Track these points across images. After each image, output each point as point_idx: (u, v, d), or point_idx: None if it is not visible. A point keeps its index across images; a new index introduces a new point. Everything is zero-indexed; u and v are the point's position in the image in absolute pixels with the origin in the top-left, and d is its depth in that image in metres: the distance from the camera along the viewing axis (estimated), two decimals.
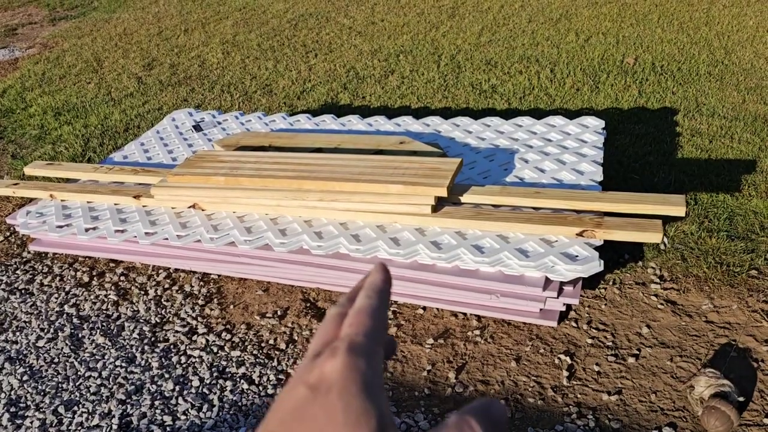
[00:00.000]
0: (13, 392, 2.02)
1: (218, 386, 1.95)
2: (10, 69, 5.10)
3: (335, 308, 0.34)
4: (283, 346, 2.08)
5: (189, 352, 2.09)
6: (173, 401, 1.92)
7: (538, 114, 3.26)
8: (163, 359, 2.07)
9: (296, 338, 2.11)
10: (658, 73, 3.77)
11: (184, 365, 2.04)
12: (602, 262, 1.87)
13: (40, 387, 2.02)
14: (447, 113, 3.48)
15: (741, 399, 1.72)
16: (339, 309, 0.34)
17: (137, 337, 2.18)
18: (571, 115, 3.22)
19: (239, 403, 1.89)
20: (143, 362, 2.07)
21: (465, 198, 2.15)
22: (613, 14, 4.87)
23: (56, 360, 2.12)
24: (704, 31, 4.36)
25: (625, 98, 3.50)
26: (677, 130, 3.12)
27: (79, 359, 2.11)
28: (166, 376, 2.01)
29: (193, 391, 1.95)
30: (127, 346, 2.15)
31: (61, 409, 1.93)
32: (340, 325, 0.33)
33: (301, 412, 0.28)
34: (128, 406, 1.92)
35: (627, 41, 4.30)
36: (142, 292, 2.40)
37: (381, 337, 0.32)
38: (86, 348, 2.16)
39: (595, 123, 2.67)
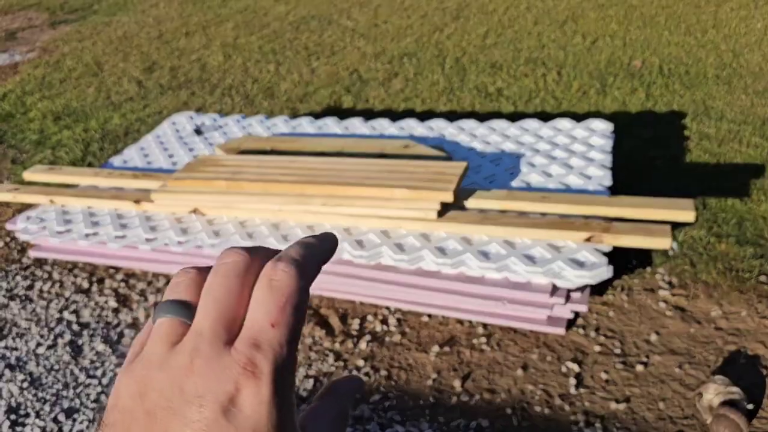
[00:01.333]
0: (13, 399, 1.99)
1: None
2: (9, 73, 5.09)
3: (239, 255, 0.27)
4: None
5: None
6: None
7: (544, 117, 3.23)
8: None
9: (298, 345, 2.08)
10: (666, 76, 3.74)
11: None
12: (611, 267, 1.84)
13: (40, 394, 1.99)
14: (452, 116, 3.45)
15: (751, 407, 1.69)
16: (245, 260, 0.27)
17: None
18: (578, 118, 3.18)
19: None
20: None
21: (470, 203, 2.11)
22: (620, 17, 4.84)
23: (56, 367, 2.09)
24: (712, 34, 4.33)
25: (633, 101, 3.47)
26: (685, 134, 3.09)
27: (79, 366, 2.08)
28: None
29: None
30: (127, 354, 2.11)
31: (61, 417, 1.90)
32: (250, 291, 0.26)
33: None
34: None
35: (634, 44, 4.27)
36: (142, 299, 2.37)
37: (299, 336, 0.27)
38: (86, 355, 2.13)
39: (603, 126, 2.64)
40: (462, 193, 2.14)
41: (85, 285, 2.47)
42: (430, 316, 2.11)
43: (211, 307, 0.26)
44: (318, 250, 0.30)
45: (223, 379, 0.25)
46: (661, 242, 1.88)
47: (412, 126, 2.88)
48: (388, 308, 2.16)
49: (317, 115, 3.62)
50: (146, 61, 4.93)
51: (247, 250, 0.28)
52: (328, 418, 0.30)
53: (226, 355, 0.25)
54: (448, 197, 2.01)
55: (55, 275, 2.55)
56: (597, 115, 3.32)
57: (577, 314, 2.05)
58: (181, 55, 5.01)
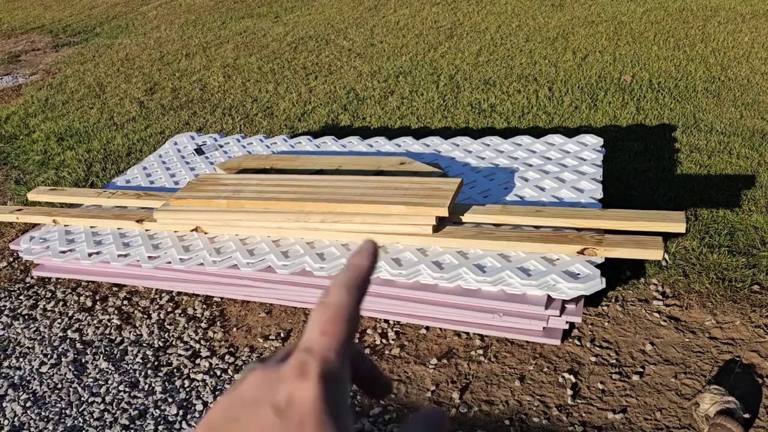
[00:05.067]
0: (16, 419, 2.01)
1: None
2: (13, 95, 5.16)
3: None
4: None
5: (192, 375, 2.09)
6: (177, 426, 1.91)
7: (537, 133, 3.29)
8: (166, 383, 2.07)
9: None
10: (656, 90, 3.81)
11: (187, 389, 2.04)
12: (604, 279, 1.88)
13: (43, 413, 2.02)
14: (447, 133, 3.52)
15: (747, 416, 1.71)
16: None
17: (140, 361, 2.18)
18: (570, 133, 3.24)
19: None
20: (147, 387, 2.06)
21: (466, 217, 2.16)
22: (610, 33, 4.93)
23: (59, 386, 2.12)
24: (700, 48, 4.42)
25: (623, 115, 3.53)
26: (676, 146, 3.14)
27: (82, 384, 2.11)
28: (170, 400, 2.00)
29: (197, 415, 1.94)
30: (131, 371, 2.14)
31: None
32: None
33: None
34: (132, 431, 1.91)
35: (624, 59, 4.36)
36: (145, 316, 2.40)
37: (352, 346, 0.30)
38: (89, 373, 2.16)
39: (594, 141, 2.69)
40: (457, 208, 2.18)
41: (89, 303, 2.51)
42: (427, 328, 2.15)
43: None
44: (359, 268, 0.32)
45: (277, 384, 0.28)
46: (654, 253, 1.92)
47: (408, 143, 2.94)
48: (386, 321, 2.19)
49: (315, 134, 3.68)
50: (148, 83, 5.01)
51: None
52: None
53: (282, 365, 0.29)
54: (444, 212, 2.05)
55: (59, 294, 2.59)
56: (588, 129, 3.38)
57: (572, 325, 2.09)
58: (182, 76, 5.09)
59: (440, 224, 2.11)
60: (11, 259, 2.87)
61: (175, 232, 2.40)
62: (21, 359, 2.26)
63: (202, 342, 2.23)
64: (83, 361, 2.21)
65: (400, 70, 4.64)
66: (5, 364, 2.25)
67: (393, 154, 2.84)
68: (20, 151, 4.06)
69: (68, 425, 1.96)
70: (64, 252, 2.46)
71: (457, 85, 4.23)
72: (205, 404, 1.97)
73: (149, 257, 2.31)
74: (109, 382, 2.11)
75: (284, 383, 0.28)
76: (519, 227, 2.12)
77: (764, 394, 1.80)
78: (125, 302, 2.49)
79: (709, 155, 3.02)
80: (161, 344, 2.25)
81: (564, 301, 1.93)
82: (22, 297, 2.61)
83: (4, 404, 2.07)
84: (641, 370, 1.92)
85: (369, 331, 2.18)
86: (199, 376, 2.08)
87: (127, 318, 2.41)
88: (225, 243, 2.29)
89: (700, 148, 3.09)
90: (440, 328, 2.13)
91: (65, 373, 2.16)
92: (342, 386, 0.28)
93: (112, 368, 2.16)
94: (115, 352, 2.24)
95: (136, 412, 1.97)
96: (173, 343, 2.25)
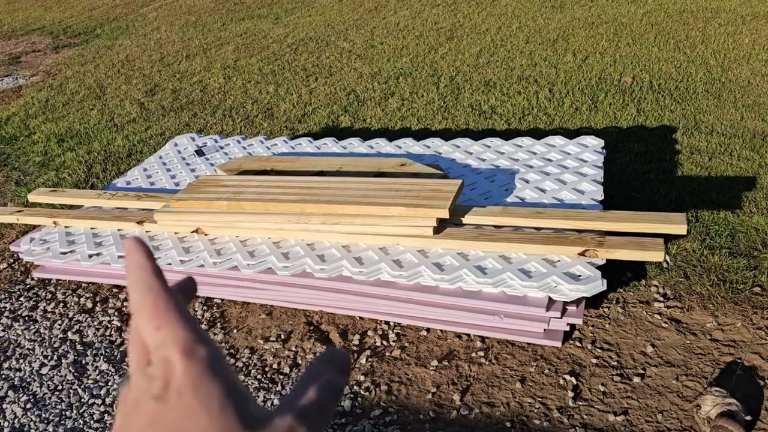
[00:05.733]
0: (16, 420, 2.01)
1: None
2: (13, 97, 5.16)
3: (132, 320, 0.32)
4: (286, 370, 2.08)
5: None
6: None
7: (537, 134, 3.29)
8: None
9: (300, 362, 2.10)
10: (656, 92, 3.81)
11: None
12: (605, 281, 1.88)
13: (43, 415, 2.01)
14: (447, 134, 3.51)
15: (748, 418, 1.71)
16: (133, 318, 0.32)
17: None
18: (571, 134, 3.24)
19: None
20: None
21: (466, 219, 2.16)
22: (610, 34, 4.93)
23: (60, 387, 2.12)
24: (700, 50, 4.42)
25: (624, 117, 3.53)
26: (676, 148, 3.14)
27: (82, 386, 2.11)
28: None
29: None
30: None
31: None
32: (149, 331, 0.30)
33: (160, 424, 0.28)
34: None
35: (624, 61, 4.36)
36: None
37: (187, 314, 0.30)
38: (90, 375, 2.15)
39: (595, 142, 2.69)
40: (458, 209, 2.18)
41: (89, 305, 2.50)
42: (428, 330, 2.14)
43: None
44: (135, 266, 0.32)
45: (150, 383, 0.29)
46: (655, 255, 1.92)
47: (408, 144, 2.94)
48: (387, 323, 2.19)
49: (316, 135, 3.68)
50: (148, 84, 5.01)
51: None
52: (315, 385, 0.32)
53: (145, 371, 0.30)
54: (445, 214, 2.05)
55: (59, 296, 2.59)
56: (589, 131, 3.38)
57: (573, 327, 2.08)
58: (182, 77, 5.09)
59: (441, 226, 2.11)
60: (11, 261, 2.87)
61: (175, 233, 2.40)
62: (21, 361, 2.26)
63: None
64: (83, 362, 2.21)
65: (400, 71, 4.64)
66: (5, 365, 2.24)
67: (393, 155, 2.84)
68: (20, 152, 4.06)
69: (68, 427, 1.96)
70: (64, 253, 2.46)
71: (457, 87, 4.23)
72: None
73: None
74: (110, 383, 2.10)
75: (155, 380, 0.29)
76: (520, 229, 2.12)
77: (766, 396, 1.80)
78: (125, 304, 2.48)
79: (710, 157, 3.01)
80: None
81: (565, 303, 1.93)
82: (22, 298, 2.60)
83: (4, 406, 2.07)
84: (642, 372, 1.92)
85: (370, 333, 2.17)
86: None
87: (128, 319, 2.40)
88: (225, 244, 2.29)
89: (701, 150, 3.09)
90: (441, 330, 2.12)
91: (65, 375, 2.16)
92: (204, 342, 0.29)
93: (113, 370, 2.16)
94: (116, 353, 2.24)
95: None
96: None
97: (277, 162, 2.74)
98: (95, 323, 2.40)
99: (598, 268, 1.92)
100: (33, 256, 2.54)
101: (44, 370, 2.19)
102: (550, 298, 1.90)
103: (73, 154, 3.86)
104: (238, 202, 2.30)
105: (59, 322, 2.43)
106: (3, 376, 2.19)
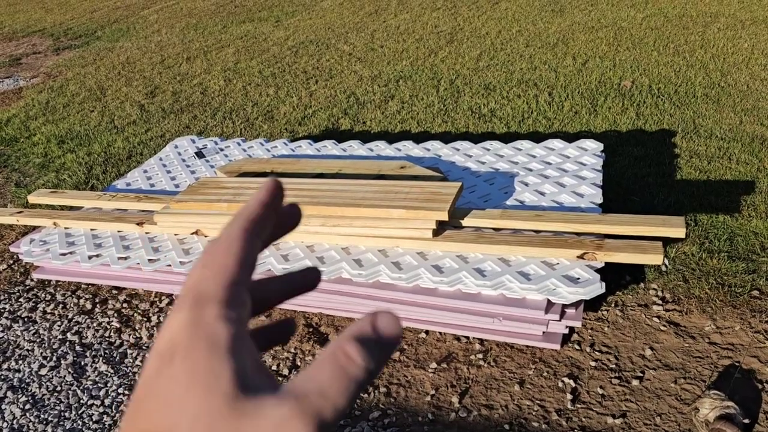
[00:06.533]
0: (15, 421, 2.01)
1: None
2: (14, 98, 5.17)
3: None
4: (285, 371, 2.08)
5: None
6: None
7: (537, 137, 3.29)
8: None
9: (299, 364, 2.11)
10: (655, 96, 3.82)
11: None
12: (604, 284, 1.88)
13: (42, 416, 2.01)
14: (447, 137, 3.52)
15: (746, 421, 1.71)
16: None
17: (140, 364, 2.18)
18: (570, 138, 3.25)
19: None
20: None
21: (466, 222, 2.16)
22: (610, 38, 4.95)
23: (59, 388, 2.12)
24: (700, 54, 4.43)
25: (623, 121, 3.54)
26: (675, 152, 3.15)
27: (81, 387, 2.11)
28: None
29: None
30: (130, 374, 2.14)
31: None
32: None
33: (151, 387, 0.24)
34: None
35: (624, 64, 4.37)
36: (145, 319, 2.40)
37: (243, 279, 0.26)
38: (89, 376, 2.16)
39: (594, 146, 2.70)
40: (457, 212, 2.19)
41: (88, 306, 2.51)
42: (427, 332, 2.15)
43: None
44: (255, 202, 0.29)
45: (162, 334, 0.26)
46: (654, 258, 1.92)
47: (408, 147, 2.95)
48: None
49: (316, 137, 3.68)
50: (148, 86, 5.02)
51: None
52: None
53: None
54: (444, 216, 2.06)
55: (59, 297, 2.59)
56: (588, 134, 3.39)
57: (572, 330, 2.09)
58: (182, 79, 5.10)
59: (440, 228, 2.11)
60: (11, 262, 2.87)
61: (175, 235, 2.41)
62: (20, 362, 2.26)
63: None
64: (83, 363, 2.21)
65: (400, 74, 4.65)
66: (4, 366, 2.25)
67: (393, 158, 2.85)
68: (21, 153, 4.06)
69: (67, 428, 1.96)
70: (64, 254, 2.46)
71: (457, 90, 4.24)
72: None
73: (149, 260, 2.31)
74: (109, 384, 2.10)
75: (165, 329, 0.25)
76: (519, 231, 2.13)
77: (764, 399, 1.80)
78: (125, 305, 2.49)
79: (709, 161, 3.02)
80: None
81: (564, 306, 1.93)
82: (21, 299, 2.61)
83: (3, 407, 2.07)
84: (641, 374, 1.92)
85: None
86: None
87: (127, 321, 2.40)
88: None
89: (700, 154, 3.10)
90: (440, 332, 2.13)
91: (64, 376, 2.16)
92: (227, 310, 0.25)
93: (112, 371, 2.16)
94: (115, 355, 2.24)
95: None
96: None
97: (277, 164, 2.75)
98: (94, 324, 2.40)
99: (597, 271, 1.93)
100: (33, 257, 2.54)
101: (43, 371, 2.19)
102: (549, 301, 1.90)
103: (73, 155, 3.86)
104: (238, 203, 2.30)
105: (58, 323, 2.43)
106: (2, 377, 2.20)
